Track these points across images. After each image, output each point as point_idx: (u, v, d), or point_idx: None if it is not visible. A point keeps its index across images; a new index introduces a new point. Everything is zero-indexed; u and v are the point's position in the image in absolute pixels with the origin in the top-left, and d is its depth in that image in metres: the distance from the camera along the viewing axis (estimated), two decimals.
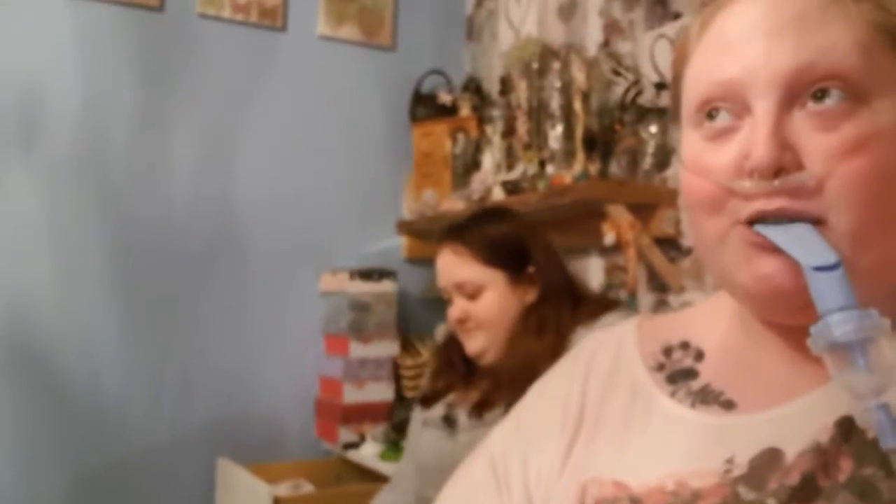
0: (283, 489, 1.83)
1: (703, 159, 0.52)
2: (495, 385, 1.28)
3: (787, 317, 0.52)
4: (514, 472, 0.63)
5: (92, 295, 1.94)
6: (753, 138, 0.49)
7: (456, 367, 1.40)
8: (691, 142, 0.54)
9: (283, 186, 2.17)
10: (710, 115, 0.52)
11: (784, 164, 0.48)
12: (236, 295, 2.09)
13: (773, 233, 0.48)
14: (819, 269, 0.46)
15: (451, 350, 1.41)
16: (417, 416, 1.44)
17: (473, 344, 1.34)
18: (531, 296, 1.32)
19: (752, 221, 0.50)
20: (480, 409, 1.28)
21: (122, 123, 2.00)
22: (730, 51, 0.51)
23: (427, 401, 1.42)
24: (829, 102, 0.48)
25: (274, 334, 2.12)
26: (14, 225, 1.88)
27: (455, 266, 1.34)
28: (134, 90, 2.01)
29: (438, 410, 1.38)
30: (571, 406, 0.63)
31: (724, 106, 0.51)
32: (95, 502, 1.91)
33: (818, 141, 0.48)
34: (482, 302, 1.32)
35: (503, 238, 1.34)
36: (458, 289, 1.34)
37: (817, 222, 0.48)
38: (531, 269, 1.33)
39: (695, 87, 0.53)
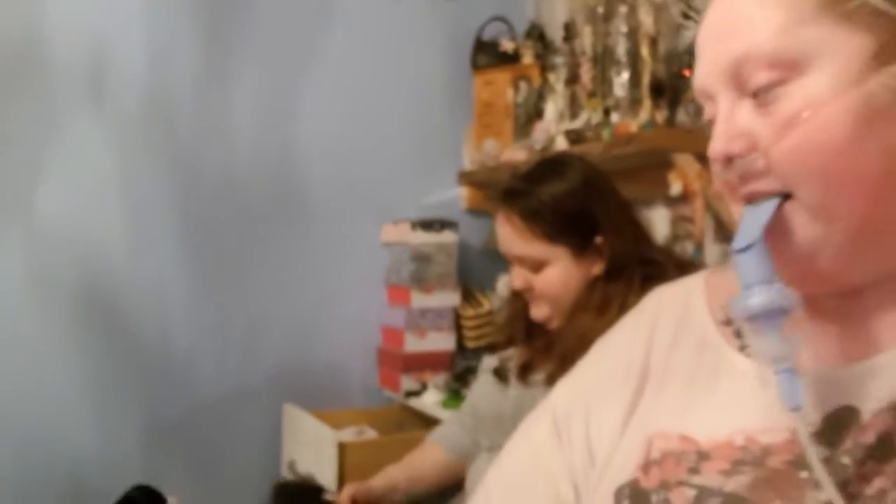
0: (347, 434, 1.88)
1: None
2: (545, 352, 1.24)
3: (806, 288, 0.53)
4: (577, 428, 0.63)
5: (160, 247, 2.01)
6: (714, 133, 0.54)
7: (519, 323, 1.35)
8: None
9: (345, 137, 2.18)
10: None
11: (736, 152, 0.52)
12: (299, 246, 2.13)
13: (746, 214, 0.53)
14: (740, 250, 0.51)
15: (517, 305, 1.36)
16: (486, 360, 1.46)
17: (538, 311, 1.28)
18: (597, 268, 1.23)
19: (746, 201, 0.53)
20: (525, 371, 1.28)
21: (186, 78, 2.03)
22: (699, 57, 0.56)
23: (492, 349, 1.43)
24: (765, 87, 0.51)
25: (337, 284, 2.16)
26: (85, 179, 1.94)
27: (514, 239, 1.26)
28: (197, 45, 2.03)
29: (494, 361, 1.39)
30: (636, 361, 0.62)
31: (708, 106, 0.56)
32: (169, 448, 2.00)
33: (761, 124, 0.51)
34: (544, 276, 1.25)
35: (567, 208, 1.23)
36: (519, 261, 1.28)
37: (789, 197, 0.51)
38: (598, 240, 1.23)
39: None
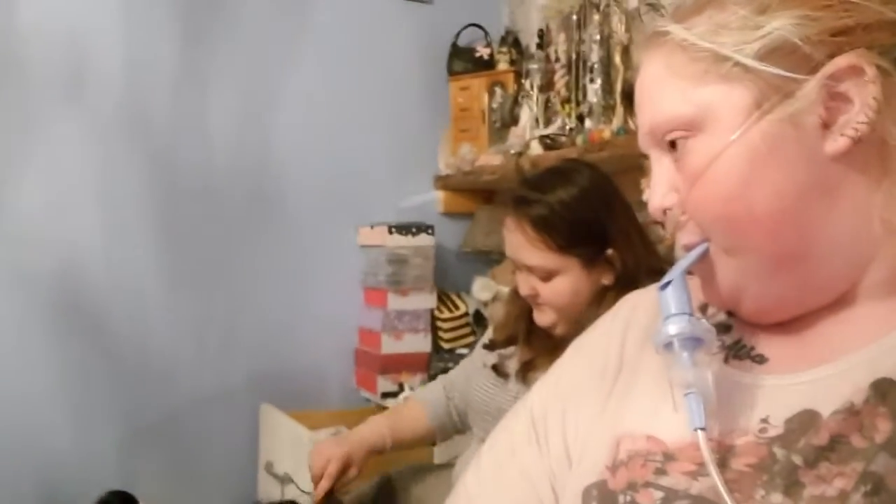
0: (324, 435, 1.89)
1: None
2: (548, 354, 1.20)
3: (764, 320, 0.59)
4: (553, 426, 0.65)
5: (138, 249, 2.00)
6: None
7: (520, 323, 1.34)
8: None
9: (322, 141, 2.19)
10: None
11: (668, 205, 0.59)
12: (278, 248, 2.14)
13: (678, 261, 0.59)
14: (662, 286, 0.57)
15: (518, 305, 1.35)
16: (481, 353, 1.45)
17: (543, 317, 1.27)
18: (607, 278, 1.23)
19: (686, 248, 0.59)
20: (526, 370, 1.28)
21: (164, 79, 2.03)
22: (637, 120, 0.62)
23: (489, 346, 1.42)
24: (677, 145, 0.57)
25: (315, 286, 2.17)
26: (63, 180, 1.93)
27: (525, 249, 1.24)
28: (175, 46, 2.03)
29: (493, 358, 1.39)
30: (609, 361, 0.64)
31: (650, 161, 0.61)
32: (149, 449, 2.00)
33: (680, 180, 0.57)
34: (553, 285, 1.24)
35: (578, 217, 1.21)
36: (528, 269, 1.26)
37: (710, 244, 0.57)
38: (609, 252, 1.22)
39: None
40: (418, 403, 1.54)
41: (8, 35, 1.88)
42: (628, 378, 0.62)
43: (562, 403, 0.65)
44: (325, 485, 1.38)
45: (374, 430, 1.47)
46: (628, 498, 0.54)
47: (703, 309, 0.63)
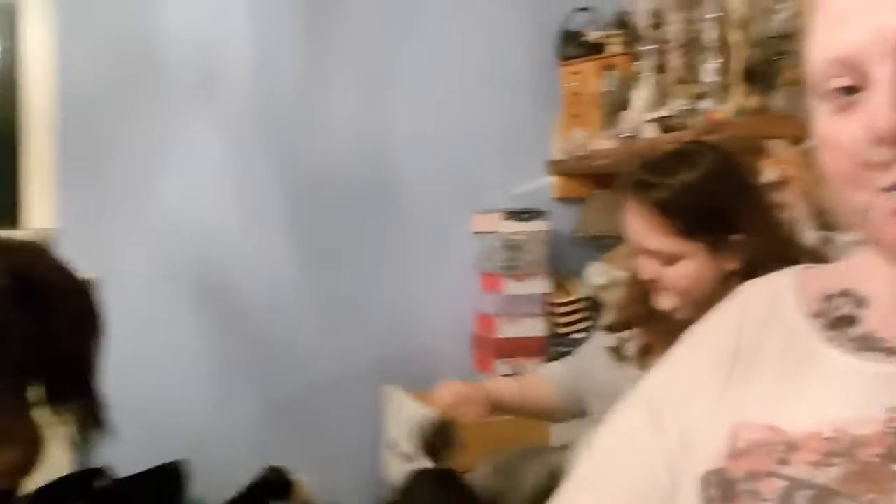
0: None
1: (834, 133, 0.53)
2: (668, 338, 1.17)
3: None
4: (669, 413, 0.64)
5: (270, 236, 2.15)
6: (877, 106, 0.49)
7: (640, 307, 1.33)
8: (820, 116, 0.54)
9: (436, 130, 2.26)
10: (835, 88, 0.52)
11: None
12: (396, 234, 2.23)
13: None
14: None
15: (638, 289, 1.33)
16: (600, 336, 1.47)
17: (663, 302, 1.25)
18: (732, 264, 1.18)
19: (892, 188, 0.50)
20: (645, 355, 1.28)
21: (289, 77, 2.15)
22: (843, 21, 0.51)
23: (609, 329, 1.42)
24: None
25: (432, 271, 2.25)
26: (201, 173, 2.09)
27: (647, 234, 1.22)
28: (298, 46, 2.15)
29: (612, 341, 1.40)
30: (726, 349, 0.63)
31: (845, 77, 0.51)
32: (282, 425, 2.14)
33: None
34: (676, 270, 1.21)
35: (702, 202, 1.18)
36: (650, 254, 1.23)
37: None
38: (736, 238, 1.18)
39: (815, 61, 0.53)
40: (545, 378, 1.55)
41: (149, 42, 2.05)
42: (746, 366, 0.61)
43: (678, 391, 0.65)
44: (447, 399, 1.41)
45: (503, 386, 1.49)
46: (749, 486, 0.54)
47: (828, 299, 0.62)
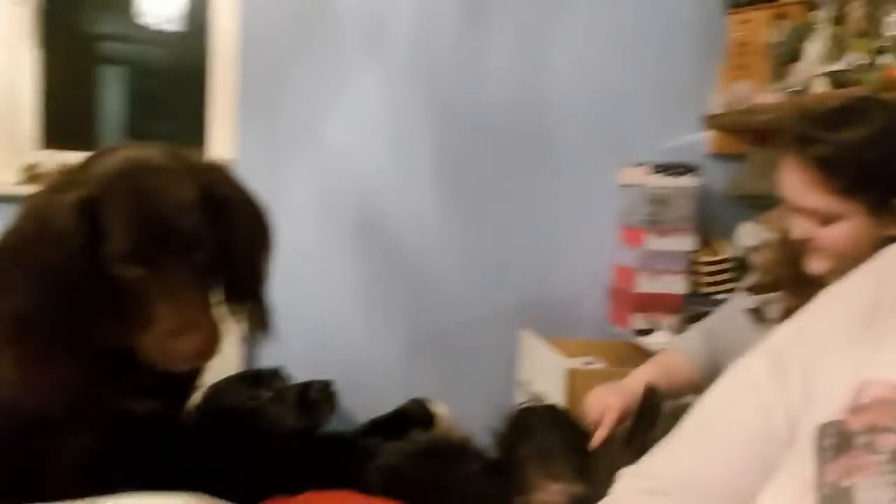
0: (577, 363, 2.00)
1: None
2: None
3: None
4: (795, 365, 0.65)
5: (422, 178, 2.24)
6: None
7: (788, 269, 1.28)
8: None
9: (590, 79, 2.24)
10: None
11: None
12: (543, 183, 2.26)
13: None
14: None
15: (787, 251, 1.28)
16: (741, 297, 1.43)
17: (815, 265, 1.20)
18: (894, 230, 1.12)
19: None
20: (786, 317, 1.23)
21: (447, 29, 2.21)
22: None
23: (752, 290, 1.38)
24: None
25: (575, 221, 2.27)
26: (363, 117, 2.21)
27: (804, 191, 1.16)
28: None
29: (753, 302, 1.36)
30: (863, 308, 0.63)
31: None
32: (423, 362, 2.27)
33: None
34: (831, 231, 1.16)
35: (867, 160, 1.10)
36: (805, 212, 1.18)
37: None
38: None
39: None
40: (681, 355, 1.48)
41: None
42: (881, 327, 0.61)
43: (807, 344, 0.65)
44: (601, 434, 1.33)
45: (644, 380, 1.39)
46: (867, 439, 0.55)
47: None
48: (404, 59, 2.20)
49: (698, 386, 1.36)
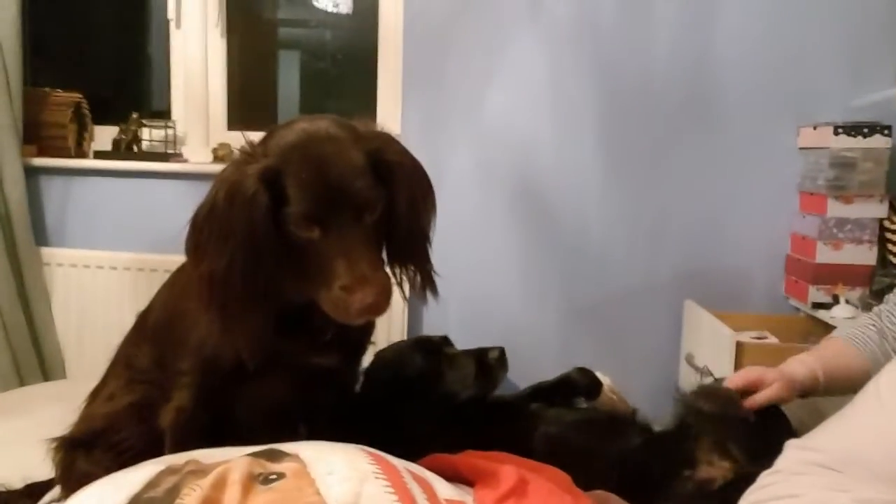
0: (747, 337, 1.91)
1: None
2: None
3: None
4: None
5: (583, 146, 2.22)
6: None
7: None
8: None
9: (765, 32, 2.10)
10: None
11: None
12: (711, 147, 2.16)
13: None
14: None
15: None
16: None
17: None
18: None
19: None
20: None
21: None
22: None
23: None
24: None
25: (746, 187, 2.15)
26: (524, 90, 2.22)
27: None
28: None
29: None
30: None
31: None
32: (582, 330, 2.27)
33: None
34: None
35: None
36: None
37: None
38: None
39: None
40: (849, 344, 1.34)
41: None
42: None
43: None
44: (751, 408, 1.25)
45: (807, 372, 1.30)
46: None
47: None
48: (566, 24, 2.18)
49: (867, 375, 1.15)
